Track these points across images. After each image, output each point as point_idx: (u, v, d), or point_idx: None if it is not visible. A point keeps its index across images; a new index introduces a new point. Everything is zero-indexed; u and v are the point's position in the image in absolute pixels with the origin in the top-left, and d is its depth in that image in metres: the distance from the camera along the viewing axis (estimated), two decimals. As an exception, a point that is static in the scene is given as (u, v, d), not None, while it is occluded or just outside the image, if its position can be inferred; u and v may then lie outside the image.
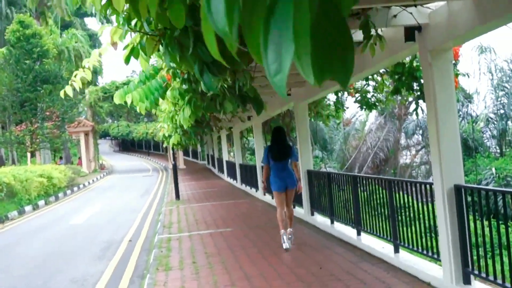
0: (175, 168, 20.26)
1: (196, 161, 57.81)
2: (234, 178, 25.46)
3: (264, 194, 17.34)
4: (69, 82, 5.20)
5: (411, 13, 5.26)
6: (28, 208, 20.28)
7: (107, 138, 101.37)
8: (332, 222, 10.11)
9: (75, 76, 5.17)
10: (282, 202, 9.06)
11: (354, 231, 8.89)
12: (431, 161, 6.44)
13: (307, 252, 8.53)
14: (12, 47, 30.70)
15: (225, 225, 12.16)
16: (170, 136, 11.79)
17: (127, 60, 3.62)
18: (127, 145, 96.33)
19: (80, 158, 46.10)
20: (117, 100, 5.45)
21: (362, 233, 8.70)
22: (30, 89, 29.40)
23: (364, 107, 10.94)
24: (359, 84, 11.93)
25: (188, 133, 9.87)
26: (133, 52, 3.57)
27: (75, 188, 29.69)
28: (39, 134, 30.12)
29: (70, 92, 5.09)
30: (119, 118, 73.23)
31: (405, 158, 44.79)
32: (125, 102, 5.22)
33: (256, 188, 18.61)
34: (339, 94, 13.54)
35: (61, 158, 44.41)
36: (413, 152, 44.85)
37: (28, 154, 41.02)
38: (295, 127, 19.10)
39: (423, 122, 36.75)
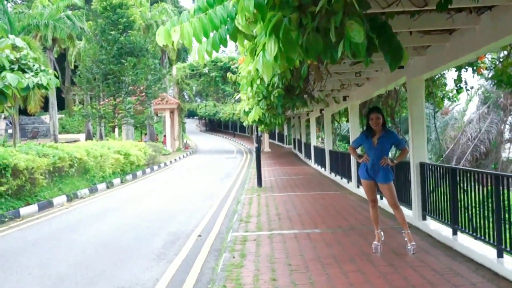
0: (258, 152, 18.29)
1: (282, 144, 55.96)
2: (323, 165, 23.23)
3: (358, 187, 15.05)
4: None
5: None
6: (101, 186, 19.04)
7: (195, 117, 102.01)
8: (454, 233, 7.70)
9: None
10: (372, 194, 7.64)
11: (493, 250, 6.49)
12: None
13: (422, 273, 6.24)
14: (98, 16, 29.77)
15: (313, 224, 10.00)
16: (249, 111, 9.59)
17: None
18: (214, 126, 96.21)
19: (165, 135, 45.34)
20: (161, 40, 3.42)
21: (505, 255, 6.30)
22: (114, 61, 28.34)
23: (504, 83, 8.30)
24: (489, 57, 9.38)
25: (274, 107, 7.57)
26: None
27: (155, 167, 28.53)
28: (122, 108, 29.08)
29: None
30: (207, 98, 72.75)
31: (508, 152, 41.05)
32: (172, 43, 3.24)
33: (349, 178, 16.31)
34: (462, 71, 10.92)
35: (145, 134, 43.81)
36: (518, 146, 40.93)
37: (116, 129, 40.78)
38: (398, 110, 16.62)
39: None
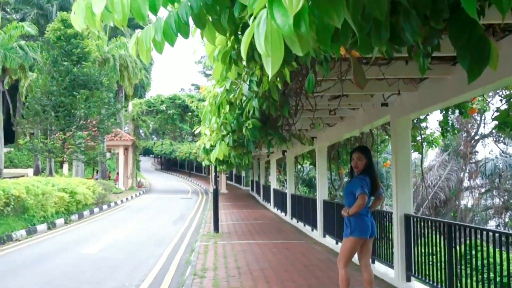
0: (216, 194, 16.90)
1: (239, 186, 54.57)
2: (283, 210, 21.97)
3: (324, 236, 13.81)
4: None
5: None
6: (41, 227, 17.20)
7: (151, 155, 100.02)
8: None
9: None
10: (352, 258, 6.30)
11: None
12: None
13: None
14: (51, 46, 28.18)
15: (279, 282, 8.61)
16: (211, 149, 8.01)
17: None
18: (170, 164, 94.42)
19: (117, 173, 43.42)
20: (77, 19, 2.12)
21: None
22: (65, 93, 26.60)
23: (508, 126, 7.23)
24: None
25: (245, 143, 6.11)
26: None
27: (105, 206, 26.67)
28: (71, 143, 27.24)
29: None
30: (164, 136, 71.17)
31: (467, 200, 40.89)
32: (94, 23, 1.99)
33: (313, 226, 15.08)
34: (450, 112, 9.91)
35: (97, 172, 41.81)
36: (477, 195, 40.83)
37: (65, 165, 38.62)
38: (373, 155, 15.54)
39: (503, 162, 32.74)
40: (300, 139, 7.56)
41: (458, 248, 6.49)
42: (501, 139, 36.20)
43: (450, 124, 10.14)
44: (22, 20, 46.82)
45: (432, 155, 40.62)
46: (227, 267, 10.03)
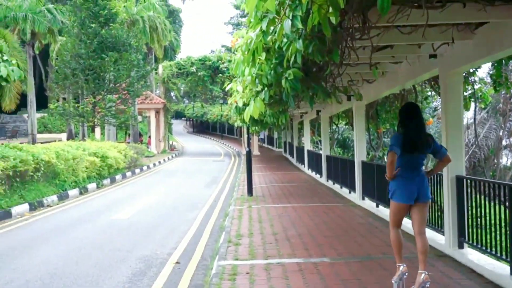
0: (249, 156, 16.32)
1: (271, 148, 54.09)
2: (318, 171, 21.35)
3: (363, 198, 13.16)
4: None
5: None
6: (73, 192, 16.94)
7: (182, 118, 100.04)
8: (514, 272, 5.80)
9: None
10: (401, 220, 5.77)
11: None
12: None
13: None
14: (78, 8, 27.59)
15: (319, 250, 8.05)
16: (244, 107, 7.14)
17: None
18: (202, 127, 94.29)
19: (149, 136, 43.22)
20: None
21: None
22: (94, 56, 26.06)
23: None
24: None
25: (283, 98, 5.17)
26: None
27: (137, 170, 26.43)
28: (102, 107, 26.86)
29: None
30: (195, 99, 70.66)
31: (506, 159, 39.75)
32: None
33: (351, 188, 14.43)
34: (503, 63, 9.00)
35: (129, 135, 41.68)
36: (517, 153, 39.66)
37: (97, 129, 38.44)
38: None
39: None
40: (347, 92, 6.76)
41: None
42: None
43: (503, 77, 9.24)
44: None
45: (469, 113, 39.33)
46: (262, 233, 9.49)
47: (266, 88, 5.29)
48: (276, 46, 3.93)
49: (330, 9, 2.73)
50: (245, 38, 4.38)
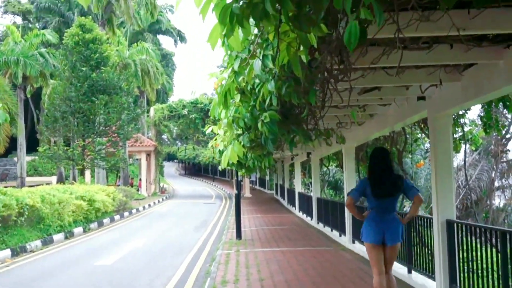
0: (238, 199, 16.12)
1: (263, 189, 53.78)
2: (308, 214, 21.11)
3: (353, 242, 12.93)
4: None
5: None
6: (58, 236, 16.57)
7: (175, 161, 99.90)
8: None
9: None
10: (379, 262, 5.78)
11: None
12: None
13: None
14: (69, 52, 27.70)
15: (306, 296, 7.80)
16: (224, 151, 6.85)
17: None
18: (194, 169, 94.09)
19: (140, 179, 42.91)
20: None
21: None
22: (84, 99, 26.07)
23: None
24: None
25: (262, 142, 4.94)
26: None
27: (126, 213, 26.05)
28: (90, 150, 26.69)
29: None
30: (187, 141, 70.66)
31: (498, 200, 39.62)
32: None
33: (341, 231, 14.21)
34: (493, 105, 8.92)
35: (119, 178, 41.36)
36: (509, 194, 39.55)
37: (87, 172, 38.11)
38: (405, 155, 14.57)
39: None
40: (329, 135, 6.65)
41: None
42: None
43: (493, 119, 9.17)
44: (44, 28, 46.68)
45: (460, 155, 39.35)
46: (249, 279, 9.22)
47: (245, 132, 5.15)
48: (249, 88, 3.81)
49: (301, 47, 2.61)
50: (219, 79, 4.27)
